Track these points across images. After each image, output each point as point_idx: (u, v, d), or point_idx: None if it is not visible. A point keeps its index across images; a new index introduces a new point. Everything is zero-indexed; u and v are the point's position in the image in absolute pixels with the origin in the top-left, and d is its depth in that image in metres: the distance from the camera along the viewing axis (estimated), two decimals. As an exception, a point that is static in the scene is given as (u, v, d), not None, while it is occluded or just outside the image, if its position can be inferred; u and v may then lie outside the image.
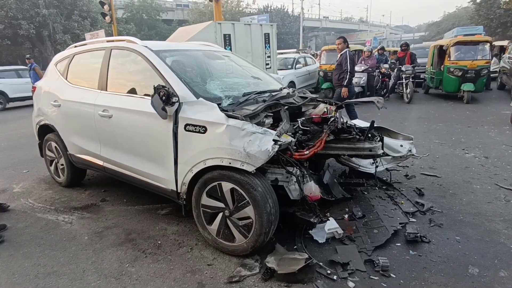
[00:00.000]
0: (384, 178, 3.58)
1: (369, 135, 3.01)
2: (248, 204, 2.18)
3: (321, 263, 2.21)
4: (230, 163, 2.17)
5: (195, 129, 2.31)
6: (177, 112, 2.39)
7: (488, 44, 8.66)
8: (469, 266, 2.15)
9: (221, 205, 2.32)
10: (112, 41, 3.20)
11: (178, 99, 2.37)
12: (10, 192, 3.79)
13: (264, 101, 2.67)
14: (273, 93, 2.92)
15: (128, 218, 3.04)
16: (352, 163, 3.56)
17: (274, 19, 38.57)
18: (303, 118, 3.08)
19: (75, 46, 3.64)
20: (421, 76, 10.95)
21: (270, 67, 8.92)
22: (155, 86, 2.31)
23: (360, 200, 3.09)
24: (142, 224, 2.91)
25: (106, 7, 9.87)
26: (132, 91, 2.79)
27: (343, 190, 3.17)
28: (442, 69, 8.97)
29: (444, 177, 3.67)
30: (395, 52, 11.15)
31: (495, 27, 27.32)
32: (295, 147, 2.64)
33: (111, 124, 2.88)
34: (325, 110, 3.19)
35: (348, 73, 5.48)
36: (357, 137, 2.94)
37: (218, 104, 2.38)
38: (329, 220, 2.60)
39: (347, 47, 5.69)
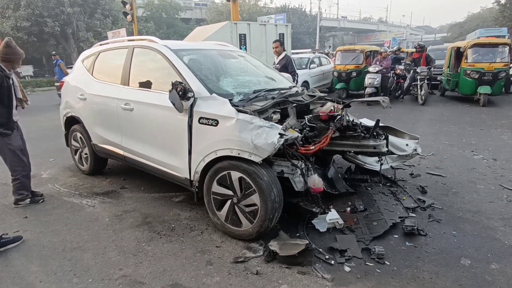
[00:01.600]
0: (389, 176, 3.69)
1: (374, 133, 3.15)
2: (254, 192, 2.38)
3: (320, 249, 2.38)
4: (239, 154, 2.37)
5: (208, 122, 2.52)
6: (192, 106, 2.61)
7: (508, 47, 8.50)
8: (461, 258, 2.27)
9: (230, 192, 2.53)
10: (134, 40, 3.45)
11: (194, 94, 2.59)
12: (38, 178, 4.12)
13: (273, 98, 2.86)
14: (282, 91, 3.09)
15: (145, 204, 3.29)
16: (358, 160, 3.69)
17: (291, 19, 38.56)
18: (311, 116, 3.24)
19: (100, 45, 3.93)
20: (438, 78, 10.83)
21: (284, 67, 9.07)
22: (173, 82, 2.54)
23: (363, 195, 3.22)
24: (158, 209, 3.16)
25: (128, 6, 10.26)
26: (152, 86, 3.03)
27: (347, 185, 3.31)
28: (458, 71, 8.89)
29: (449, 176, 3.74)
30: (412, 53, 11.07)
31: (520, 29, 26.35)
32: (301, 142, 2.82)
33: (132, 117, 3.13)
34: (332, 108, 3.34)
35: (297, 75, 5.41)
36: (362, 134, 3.08)
37: (230, 100, 2.58)
38: (330, 211, 2.75)
39: (284, 50, 5.66)
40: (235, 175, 2.45)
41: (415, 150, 3.54)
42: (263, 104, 2.65)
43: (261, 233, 2.43)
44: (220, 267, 2.25)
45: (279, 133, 2.32)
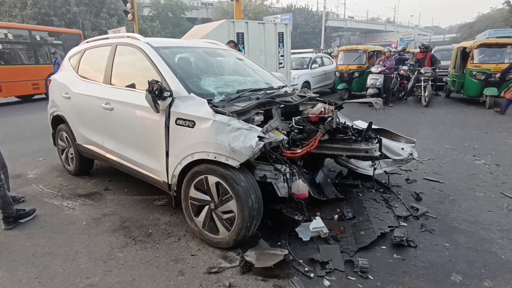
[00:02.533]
0: (383, 181, 3.52)
1: (367, 136, 2.99)
2: (231, 198, 2.24)
3: (300, 260, 2.23)
4: (215, 158, 2.23)
5: (185, 123, 2.39)
6: (170, 106, 2.48)
7: (516, 47, 8.22)
8: (452, 274, 2.10)
9: (208, 198, 2.39)
10: (118, 37, 3.33)
11: (171, 94, 2.46)
12: (24, 178, 4.04)
13: (257, 98, 2.71)
14: (269, 91, 2.95)
15: (126, 207, 3.17)
16: (351, 164, 3.53)
17: (298, 19, 38.32)
18: (299, 117, 3.09)
19: (87, 42, 3.83)
20: (444, 79, 10.56)
21: (283, 66, 8.92)
22: (149, 80, 2.41)
23: (353, 202, 3.06)
24: (138, 213, 3.04)
25: (128, 5, 10.21)
26: (132, 85, 2.92)
27: (337, 190, 3.15)
28: (464, 72, 8.63)
29: (447, 183, 3.56)
30: (417, 54, 10.81)
31: (531, 30, 25.71)
32: (287, 145, 2.67)
33: (113, 117, 3.02)
34: (322, 109, 3.19)
35: None
36: (353, 138, 2.93)
37: (210, 100, 2.45)
38: (315, 219, 2.60)
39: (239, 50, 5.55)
40: (212, 179, 2.31)
41: (411, 154, 3.38)
42: (244, 104, 2.51)
43: (238, 241, 2.29)
44: (192, 278, 2.11)
45: (258, 136, 2.18)
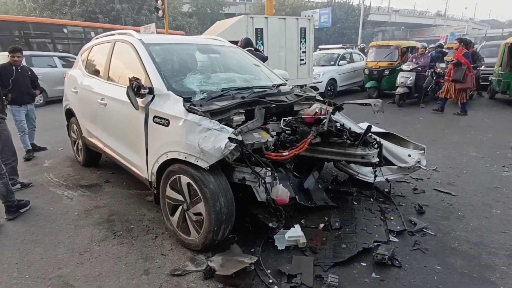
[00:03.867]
0: (386, 190, 3.24)
1: (364, 140, 2.77)
2: (200, 200, 2.18)
3: (268, 271, 2.11)
4: (185, 158, 2.18)
5: (161, 121, 2.36)
6: (149, 103, 2.47)
7: None
8: (434, 302, 1.85)
9: (181, 198, 2.35)
10: (120, 34, 3.39)
11: (151, 91, 2.45)
12: (40, 166, 4.32)
13: (242, 97, 2.61)
14: (257, 90, 2.83)
15: (118, 200, 3.25)
16: (351, 170, 3.31)
17: (337, 13, 37.01)
18: (291, 118, 2.94)
19: (96, 38, 3.96)
20: (489, 79, 9.57)
21: (304, 63, 8.62)
22: (129, 77, 2.41)
23: (345, 211, 2.85)
24: (127, 207, 3.09)
25: (159, 1, 10.50)
26: (123, 81, 2.95)
27: (330, 197, 2.96)
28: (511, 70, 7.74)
29: (461, 196, 3.19)
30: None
31: None
32: (273, 147, 2.55)
33: (106, 112, 3.10)
34: (317, 110, 2.99)
35: None
36: (348, 142, 2.72)
37: (189, 99, 2.39)
38: (293, 227, 2.45)
39: None
40: (184, 180, 2.26)
41: (419, 162, 3.09)
42: (224, 104, 2.42)
43: (207, 245, 2.23)
44: (154, 278, 2.09)
45: (229, 138, 2.08)
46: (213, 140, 2.09)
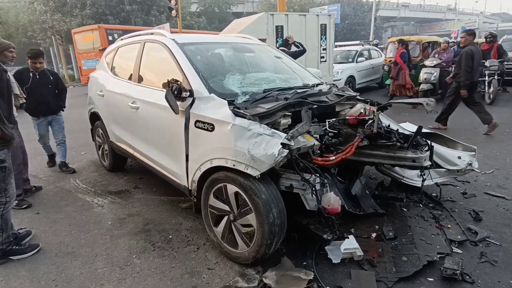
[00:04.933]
0: (434, 194, 3.04)
1: (414, 142, 2.58)
2: (250, 211, 2.02)
3: (328, 287, 1.94)
4: (234, 165, 2.02)
5: (204, 126, 2.21)
6: (190, 107, 2.32)
7: None
8: (521, 324, 1.66)
9: (227, 208, 2.20)
10: (150, 34, 3.25)
11: (191, 94, 2.30)
12: (65, 172, 4.22)
13: (286, 99, 2.44)
14: (300, 90, 2.65)
15: (151, 207, 3.12)
16: (395, 173, 3.11)
17: (346, 9, 36.53)
18: (335, 119, 2.77)
19: (121, 39, 3.83)
20: (514, 73, 9.21)
21: (325, 60, 8.40)
22: (168, 79, 2.27)
23: (396, 218, 2.66)
24: (161, 215, 2.96)
25: (173, 1, 10.38)
26: (157, 84, 2.81)
27: (377, 204, 2.77)
28: (540, 65, 7.41)
29: (516, 200, 2.97)
30: (480, 44, 9.55)
31: None
32: (319, 152, 2.37)
33: (138, 116, 2.96)
34: (362, 111, 2.81)
35: None
36: (398, 144, 2.54)
37: (232, 101, 2.23)
38: (348, 238, 2.28)
39: None
40: (231, 189, 2.11)
41: (470, 164, 2.87)
42: (270, 106, 2.25)
43: (258, 259, 2.07)
44: (204, 296, 1.94)
45: (282, 143, 1.91)
46: (265, 146, 1.92)
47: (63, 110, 4.18)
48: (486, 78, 7.59)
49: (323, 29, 8.19)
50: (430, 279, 2.01)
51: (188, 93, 2.25)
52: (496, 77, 7.52)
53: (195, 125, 2.27)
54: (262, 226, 1.96)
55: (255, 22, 6.84)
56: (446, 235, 2.41)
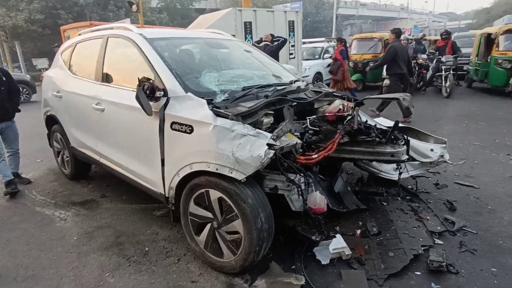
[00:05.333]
0: (409, 187, 3.12)
1: (392, 137, 2.60)
2: (236, 217, 1.90)
3: (320, 291, 1.88)
4: (217, 169, 1.88)
5: (181, 128, 2.04)
6: (164, 108, 2.13)
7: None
8: (507, 311, 1.71)
9: (209, 215, 2.05)
10: (110, 28, 2.98)
11: (165, 94, 2.11)
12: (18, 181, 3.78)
13: (266, 96, 2.34)
14: (279, 88, 2.56)
15: (123, 218, 2.87)
16: (372, 168, 3.13)
17: (308, 7, 37.27)
18: (315, 116, 2.71)
19: (79, 34, 3.49)
20: (465, 68, 9.91)
21: (294, 57, 8.44)
22: (139, 78, 2.07)
23: (378, 213, 2.68)
24: (135, 225, 2.73)
25: (132, -5, 9.80)
26: (124, 83, 2.57)
27: (358, 199, 2.78)
28: (488, 60, 8.01)
29: (483, 188, 3.13)
30: (435, 41, 10.17)
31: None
32: (301, 150, 2.30)
33: (104, 118, 2.70)
34: (341, 107, 2.78)
35: None
36: (377, 139, 2.54)
37: (211, 100, 2.08)
38: (335, 237, 2.24)
39: None
40: (214, 194, 1.97)
41: (442, 156, 2.96)
42: (251, 104, 2.14)
43: (246, 267, 1.96)
44: (191, 312, 1.79)
45: (268, 144, 1.81)
46: (250, 148, 1.81)
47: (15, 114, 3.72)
48: (443, 73, 8.07)
49: (291, 26, 8.21)
50: (417, 272, 2.02)
51: (162, 93, 2.06)
52: (451, 71, 8.01)
53: (171, 127, 2.09)
54: (250, 232, 1.84)
55: (223, 18, 6.66)
56: (427, 227, 2.46)
